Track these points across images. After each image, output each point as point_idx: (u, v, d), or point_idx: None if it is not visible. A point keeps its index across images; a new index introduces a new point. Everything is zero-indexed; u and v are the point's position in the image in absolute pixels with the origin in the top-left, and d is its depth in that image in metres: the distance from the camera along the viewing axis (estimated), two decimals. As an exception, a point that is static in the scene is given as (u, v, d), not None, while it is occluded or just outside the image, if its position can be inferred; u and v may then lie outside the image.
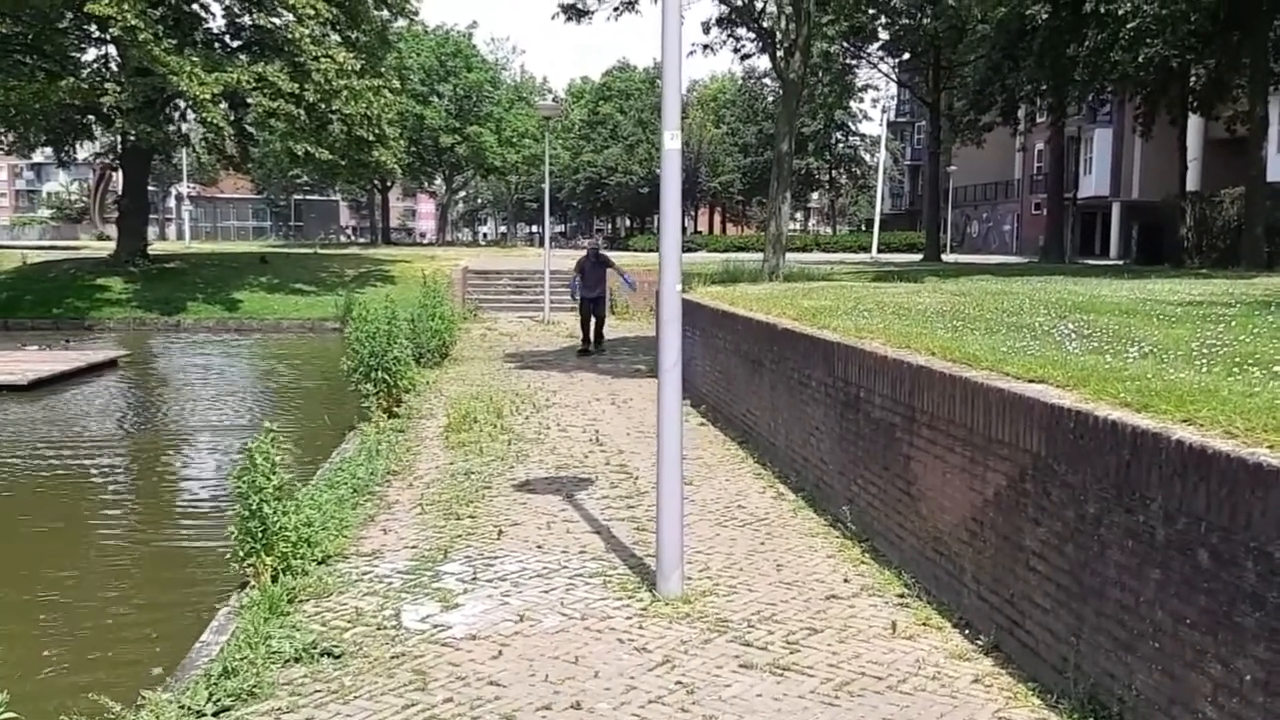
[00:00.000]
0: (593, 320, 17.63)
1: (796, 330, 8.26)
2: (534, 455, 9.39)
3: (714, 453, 9.48)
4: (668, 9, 5.48)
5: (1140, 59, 21.35)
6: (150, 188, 42.70)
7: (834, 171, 76.69)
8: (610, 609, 5.45)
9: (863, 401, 6.68)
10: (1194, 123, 34.35)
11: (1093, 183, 47.90)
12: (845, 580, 5.92)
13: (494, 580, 5.94)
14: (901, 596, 5.61)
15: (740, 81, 78.95)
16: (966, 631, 5.05)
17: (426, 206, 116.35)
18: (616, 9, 17.73)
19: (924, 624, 5.20)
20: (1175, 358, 5.29)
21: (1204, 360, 5.15)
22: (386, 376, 11.69)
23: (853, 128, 75.21)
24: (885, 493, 6.26)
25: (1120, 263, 35.96)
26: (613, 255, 39.28)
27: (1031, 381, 4.85)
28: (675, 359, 5.58)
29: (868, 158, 78.47)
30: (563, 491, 8.05)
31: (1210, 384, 4.35)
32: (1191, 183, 34.32)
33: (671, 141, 5.51)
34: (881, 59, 44.74)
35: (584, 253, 18.47)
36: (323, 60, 29.05)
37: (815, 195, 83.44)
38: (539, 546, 6.60)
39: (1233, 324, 7.05)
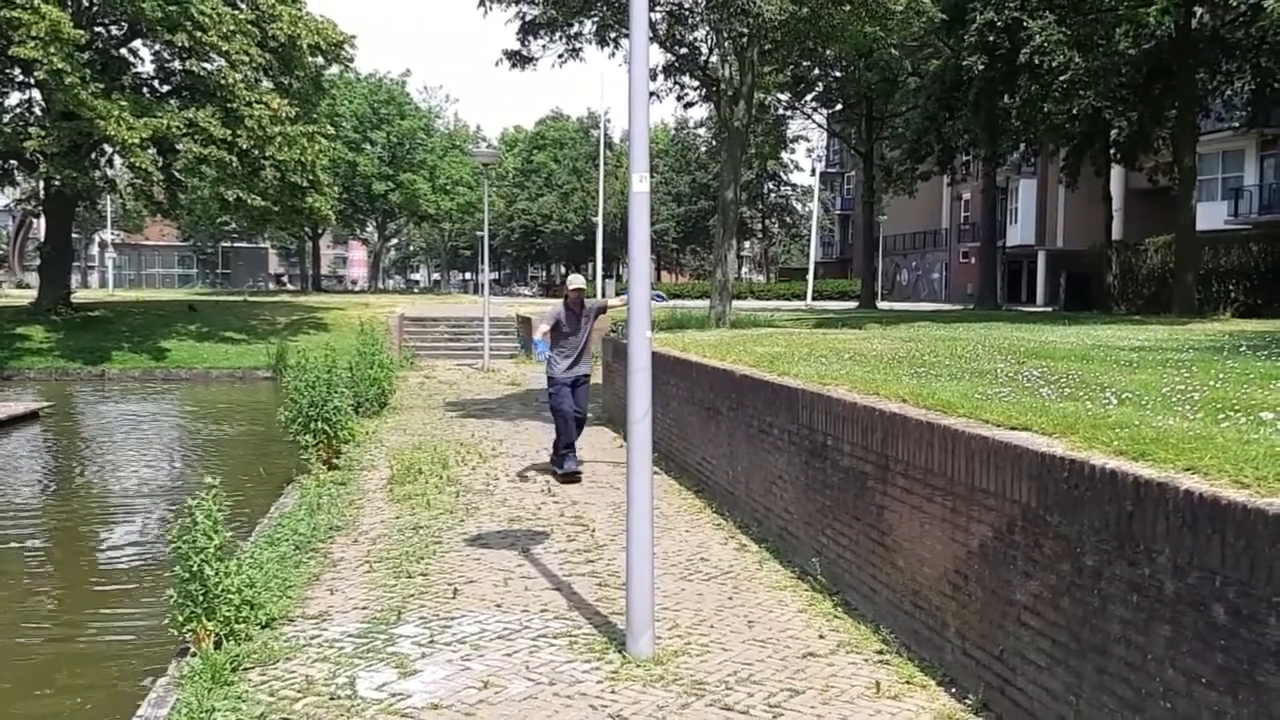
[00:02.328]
0: (573, 418, 10.38)
1: (756, 377, 8.11)
2: (484, 508, 9.08)
3: (671, 503, 9.25)
4: (635, 50, 5.34)
5: (1073, 110, 21.87)
6: (73, 234, 41.54)
7: (766, 220, 77.66)
8: (579, 672, 5.17)
9: (830, 450, 6.52)
10: (1116, 173, 35.37)
11: (1019, 232, 49.08)
12: (821, 636, 5.71)
13: (453, 643, 5.62)
14: (880, 653, 5.42)
15: (673, 132, 79.91)
16: (953, 690, 4.87)
17: (358, 253, 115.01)
18: (561, 56, 17.64)
19: (908, 682, 5.00)
20: (1153, 404, 5.22)
21: (1183, 406, 5.08)
22: (326, 427, 11.27)
23: (784, 177, 76.41)
24: (857, 544, 6.09)
25: (1049, 309, 36.69)
26: (545, 305, 38.91)
27: (1014, 429, 4.73)
28: (645, 409, 5.37)
29: (799, 207, 79.74)
30: (518, 546, 7.75)
31: (1202, 431, 4.26)
32: (1115, 231, 35.27)
33: (640, 184, 5.35)
34: (815, 109, 45.44)
35: (560, 300, 11.00)
36: (256, 106, 28.61)
37: (748, 243, 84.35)
38: (498, 605, 6.30)
39: (1194, 369, 7.04)
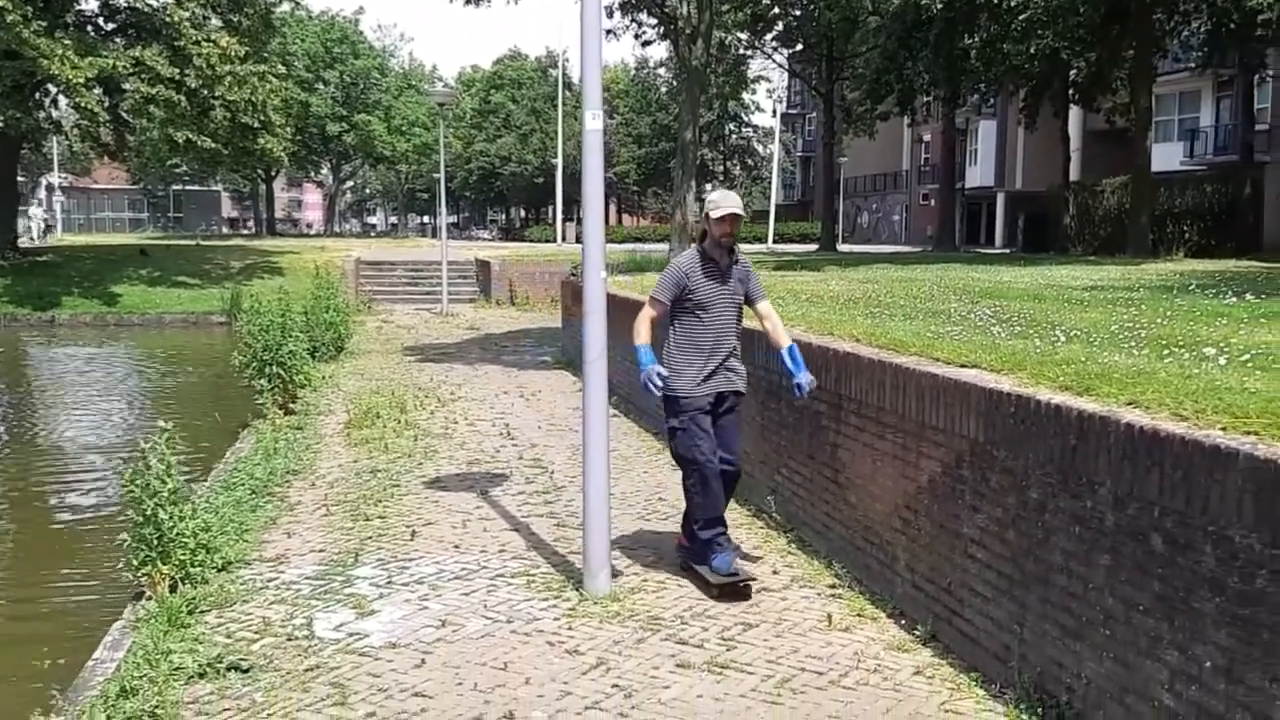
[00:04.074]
0: (719, 474, 5.54)
1: (713, 318, 8.11)
2: (443, 451, 9.07)
3: (630, 444, 9.30)
4: (587, -16, 5.25)
5: (1031, 50, 21.87)
6: (19, 178, 40.51)
7: (728, 162, 77.26)
8: (537, 610, 5.22)
9: (785, 390, 6.55)
10: (1074, 114, 35.52)
11: (978, 173, 49.26)
12: (774, 572, 5.80)
13: (410, 584, 5.65)
14: (833, 587, 5.52)
15: (633, 72, 79.00)
16: (903, 622, 4.97)
17: (313, 197, 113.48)
18: (516, -8, 17.31)
19: (859, 615, 5.10)
20: (1100, 341, 5.31)
21: (1129, 344, 5.17)
22: (282, 372, 11.19)
23: (746, 119, 75.88)
24: (811, 482, 6.16)
25: (1007, 251, 36.98)
26: (504, 248, 38.31)
27: (964, 366, 4.79)
28: (601, 350, 5.37)
29: (760, 149, 79.36)
30: (476, 488, 7.77)
31: (1145, 367, 4.34)
32: (1073, 173, 35.52)
33: (593, 122, 5.29)
34: (776, 49, 45.08)
35: (687, 251, 5.89)
36: (204, 45, 27.88)
37: (710, 186, 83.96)
38: (456, 546, 6.33)
39: (1143, 307, 7.16)
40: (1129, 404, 3.70)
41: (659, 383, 5.37)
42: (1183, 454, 3.26)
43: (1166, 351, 4.79)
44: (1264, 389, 3.67)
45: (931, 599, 4.79)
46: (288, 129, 38.53)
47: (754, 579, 5.48)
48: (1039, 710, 3.93)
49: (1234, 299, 7.79)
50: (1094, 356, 4.65)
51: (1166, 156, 34.80)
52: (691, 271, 5.59)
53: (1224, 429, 3.25)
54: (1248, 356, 4.51)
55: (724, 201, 5.54)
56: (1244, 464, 3.02)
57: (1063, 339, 5.37)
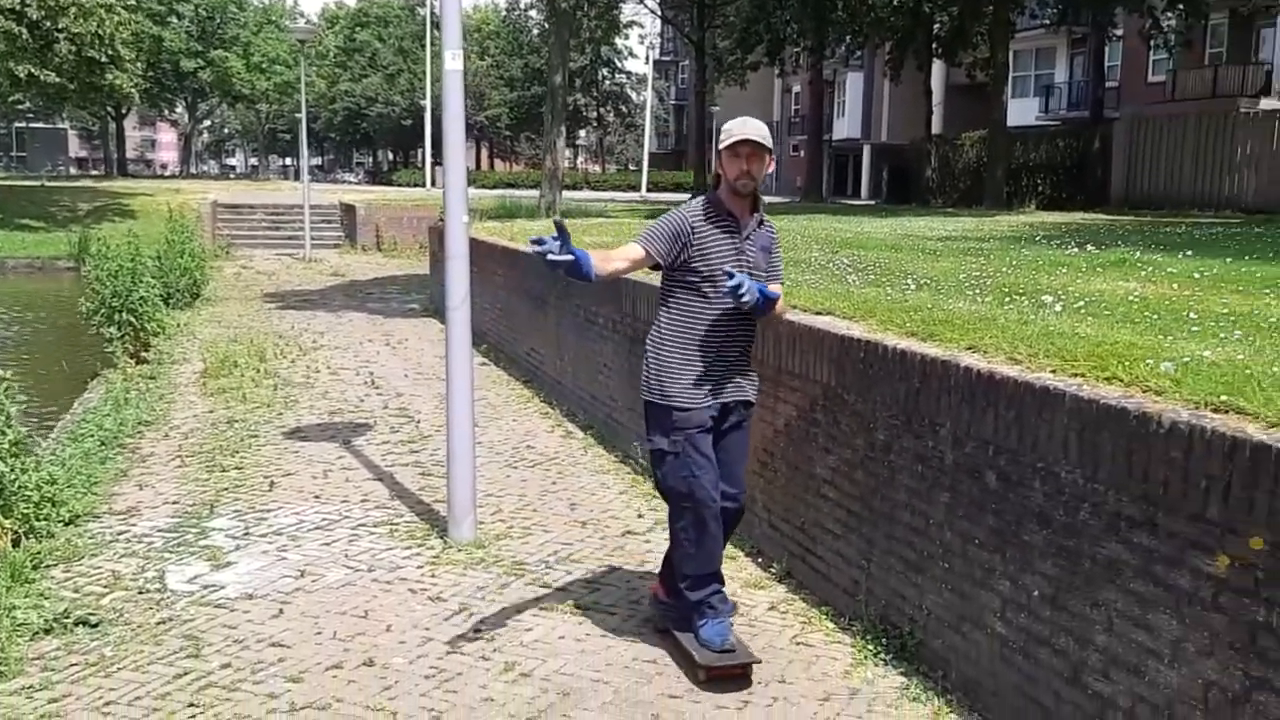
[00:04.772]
0: (718, 510, 4.03)
1: (580, 265, 8.11)
2: (304, 400, 8.88)
3: (499, 393, 9.27)
4: (447, -79, 5.13)
5: (895, 2, 22.26)
6: None
7: (601, 109, 76.72)
8: (399, 559, 5.20)
9: (650, 336, 6.63)
10: (937, 68, 36.42)
11: (845, 126, 50.12)
12: (640, 515, 5.90)
13: (268, 535, 5.54)
14: (694, 529, 5.63)
15: (504, 13, 77.48)
16: (759, 560, 5.14)
17: (167, 136, 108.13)
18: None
19: (718, 555, 5.23)
20: (948, 289, 5.52)
21: (974, 291, 5.40)
22: (132, 319, 10.75)
23: (619, 65, 75.35)
24: (675, 427, 6.26)
25: (872, 202, 37.88)
26: (371, 192, 37.19)
27: (819, 313, 4.93)
28: (464, 296, 5.32)
29: (634, 96, 79.00)
30: (339, 438, 7.64)
31: (987, 314, 4.55)
32: (936, 126, 36.46)
33: (453, 61, 5.19)
34: (648, -6, 44.76)
35: (687, 199, 4.53)
36: (45, -28, 26.22)
37: (583, 133, 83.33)
38: (316, 497, 6.23)
39: (991, 257, 7.46)
40: (969, 349, 3.87)
41: (540, 248, 3.48)
42: (1015, 395, 3.43)
43: (1008, 299, 5.03)
44: (1093, 334, 3.90)
45: (787, 538, 4.96)
46: (138, 64, 36.63)
47: (757, 661, 4.01)
48: (883, 640, 4.13)
49: (1076, 249, 8.20)
50: (940, 304, 4.85)
51: (1023, 111, 36.07)
52: (698, 225, 3.91)
53: (1054, 371, 3.43)
54: (1082, 303, 4.76)
55: (737, 127, 3.85)
56: (1070, 404, 3.20)
57: (913, 287, 5.57)
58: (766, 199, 4.44)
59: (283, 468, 6.82)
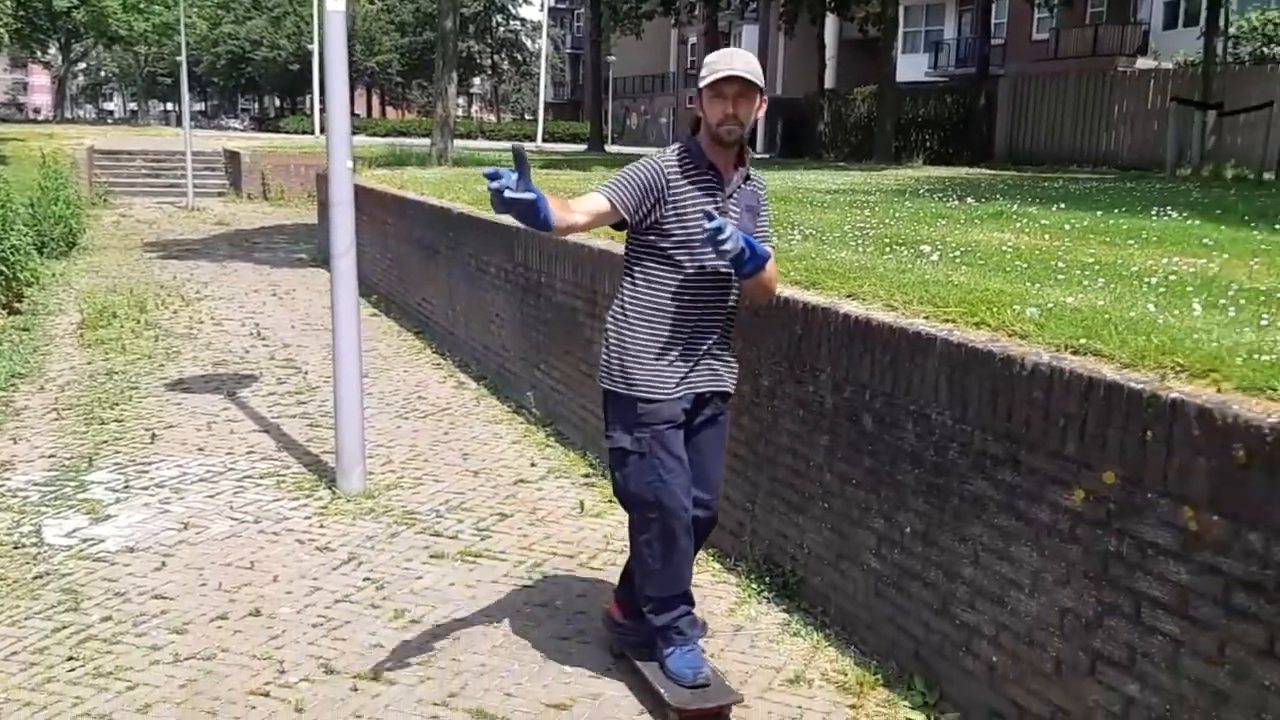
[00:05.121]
0: (690, 519, 3.38)
1: (474, 215, 8.05)
2: (186, 352, 8.65)
3: (390, 344, 9.16)
4: None
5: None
6: None
7: (495, 56, 75.47)
8: (286, 510, 5.14)
9: (544, 287, 6.64)
10: (831, 22, 36.75)
11: (741, 78, 50.24)
12: (532, 464, 5.94)
13: (150, 488, 5.42)
14: (587, 476, 5.71)
15: (396, -45, 75.27)
16: (649, 506, 5.22)
17: (40, 79, 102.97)
18: None
19: (610, 501, 5.29)
20: (833, 239, 5.65)
21: (857, 241, 5.53)
22: (3, 267, 10.30)
23: (514, 11, 74.12)
24: (569, 377, 6.30)
25: (766, 156, 38.19)
26: (257, 139, 36.11)
27: (708, 263, 4.98)
28: (349, 244, 5.24)
29: (529, 43, 77.86)
30: (223, 390, 7.47)
31: (867, 263, 4.67)
32: (829, 81, 36.89)
33: (335, 3, 5.07)
34: (542, -59, 44.00)
35: (666, 147, 3.46)
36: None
37: (478, 81, 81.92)
38: (200, 449, 6.10)
39: (876, 209, 7.64)
40: (848, 296, 3.99)
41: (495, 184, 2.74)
42: (890, 341, 3.56)
43: (889, 249, 5.17)
44: (965, 282, 4.05)
45: (676, 483, 5.04)
46: (7, 3, 34.59)
47: (739, 699, 3.38)
48: (766, 579, 4.26)
49: (957, 202, 8.44)
50: (824, 254, 4.96)
51: (913, 67, 36.71)
52: (673, 177, 3.24)
53: (927, 318, 3.56)
54: (958, 253, 4.93)
55: (722, 61, 3.16)
56: (940, 348, 3.33)
57: (799, 238, 5.68)
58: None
59: (165, 420, 6.65)
